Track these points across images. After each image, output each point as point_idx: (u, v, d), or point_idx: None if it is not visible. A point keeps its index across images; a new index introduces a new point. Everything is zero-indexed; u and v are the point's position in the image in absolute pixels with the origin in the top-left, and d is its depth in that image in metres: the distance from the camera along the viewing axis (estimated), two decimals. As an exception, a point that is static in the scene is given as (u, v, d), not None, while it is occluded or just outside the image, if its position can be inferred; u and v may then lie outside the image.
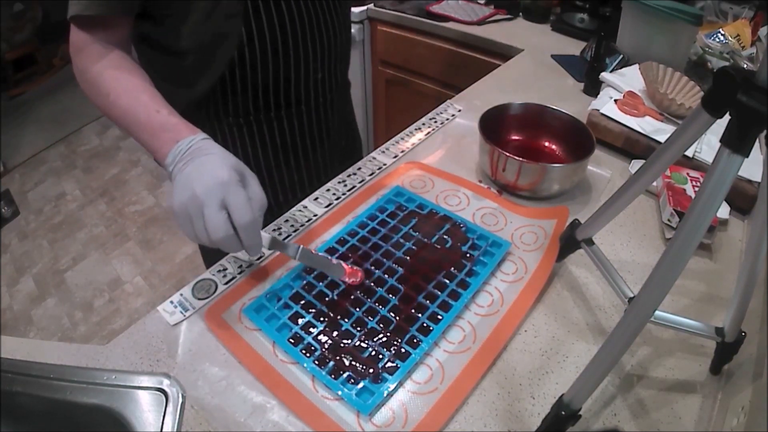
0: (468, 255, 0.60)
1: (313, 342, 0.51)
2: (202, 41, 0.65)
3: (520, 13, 1.40)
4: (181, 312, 0.55)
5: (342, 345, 0.50)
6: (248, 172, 0.51)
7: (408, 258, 0.60)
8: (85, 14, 0.57)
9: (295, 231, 0.65)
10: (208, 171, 0.48)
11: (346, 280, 0.48)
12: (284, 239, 0.64)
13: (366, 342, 0.51)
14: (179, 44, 0.65)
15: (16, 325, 1.73)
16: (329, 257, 0.53)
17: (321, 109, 0.80)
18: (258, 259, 0.61)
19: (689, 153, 0.74)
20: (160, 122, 0.54)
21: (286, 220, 0.67)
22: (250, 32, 0.65)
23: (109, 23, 0.60)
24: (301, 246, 0.54)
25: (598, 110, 0.82)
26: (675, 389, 0.49)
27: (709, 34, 0.99)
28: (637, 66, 0.90)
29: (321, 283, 0.56)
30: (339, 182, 0.74)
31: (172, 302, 0.56)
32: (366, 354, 0.50)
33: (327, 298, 0.55)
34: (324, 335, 0.51)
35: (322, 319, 0.53)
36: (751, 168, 0.67)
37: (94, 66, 0.59)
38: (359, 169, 0.77)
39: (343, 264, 0.50)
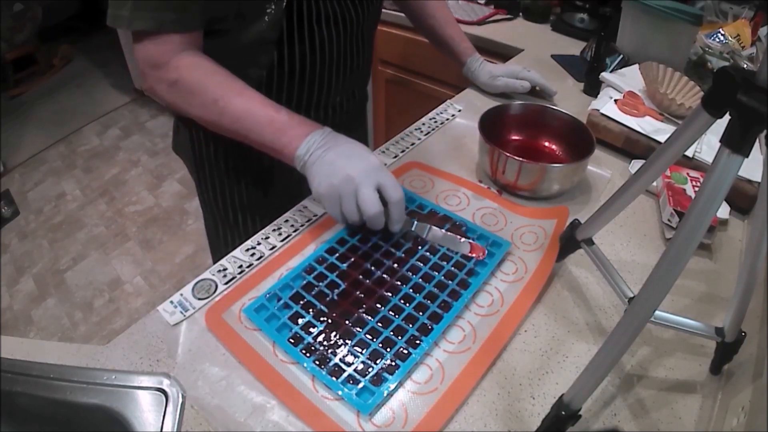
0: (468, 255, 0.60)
1: (313, 342, 0.51)
2: (236, 61, 0.65)
3: (520, 13, 1.39)
4: (181, 312, 0.55)
5: (342, 345, 0.50)
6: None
7: (408, 258, 0.60)
8: (161, 31, 0.57)
9: (295, 231, 0.65)
10: (358, 156, 0.56)
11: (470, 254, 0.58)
12: (284, 239, 0.64)
13: (366, 342, 0.50)
14: (215, 56, 0.65)
15: (16, 325, 1.73)
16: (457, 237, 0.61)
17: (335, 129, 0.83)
18: (258, 259, 0.61)
19: (689, 153, 0.74)
20: (284, 121, 0.58)
21: (286, 220, 0.67)
22: (282, 58, 0.67)
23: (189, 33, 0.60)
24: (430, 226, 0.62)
25: (598, 110, 0.82)
26: (675, 389, 0.49)
27: (709, 34, 0.99)
28: (637, 66, 0.90)
29: (321, 283, 0.56)
30: (339, 182, 0.75)
31: (172, 302, 0.56)
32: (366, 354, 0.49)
33: (327, 298, 0.55)
34: (324, 335, 0.51)
35: (322, 319, 0.53)
36: (751, 168, 0.67)
37: (189, 75, 0.59)
38: (359, 169, 0.77)
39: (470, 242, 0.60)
